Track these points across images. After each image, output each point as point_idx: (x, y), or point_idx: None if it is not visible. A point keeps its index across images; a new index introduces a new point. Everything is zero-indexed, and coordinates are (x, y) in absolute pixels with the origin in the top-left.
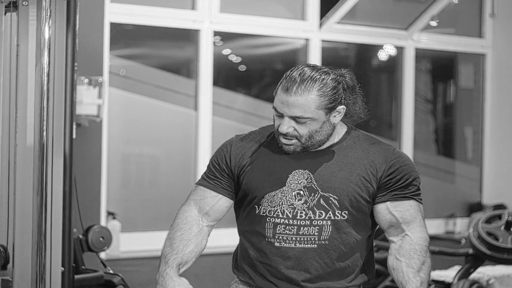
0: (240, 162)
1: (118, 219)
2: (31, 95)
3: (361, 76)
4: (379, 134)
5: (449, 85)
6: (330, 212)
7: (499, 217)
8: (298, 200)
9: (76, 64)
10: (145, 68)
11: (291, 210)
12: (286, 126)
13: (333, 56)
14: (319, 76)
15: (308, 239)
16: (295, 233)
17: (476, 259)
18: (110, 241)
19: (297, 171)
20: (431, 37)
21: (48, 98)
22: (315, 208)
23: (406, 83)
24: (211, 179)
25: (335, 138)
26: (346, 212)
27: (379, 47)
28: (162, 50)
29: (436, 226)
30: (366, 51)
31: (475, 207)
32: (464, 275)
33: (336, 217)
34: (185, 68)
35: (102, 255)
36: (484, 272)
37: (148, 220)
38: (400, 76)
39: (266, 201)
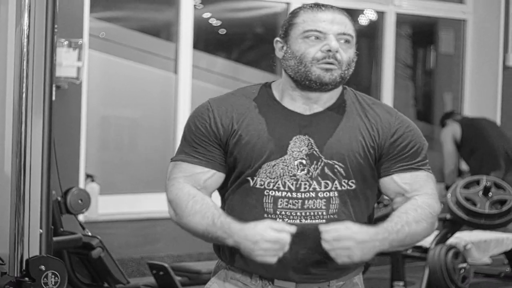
0: (229, 128)
1: (97, 181)
2: (10, 57)
3: None
4: None
5: (429, 50)
6: (337, 181)
7: (477, 182)
8: (301, 171)
9: (56, 26)
10: (125, 31)
11: (294, 182)
12: (335, 42)
13: None
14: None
15: (316, 213)
16: (299, 207)
17: (453, 224)
18: (89, 203)
19: (298, 137)
20: (412, 2)
21: (28, 60)
22: (319, 178)
23: (386, 48)
24: (198, 153)
25: (334, 97)
26: (354, 181)
27: (360, 11)
28: (142, 13)
29: None
30: None
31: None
32: (442, 240)
33: (343, 187)
34: (165, 31)
35: (81, 217)
36: (461, 237)
37: (126, 183)
38: (380, 41)
39: (264, 171)
